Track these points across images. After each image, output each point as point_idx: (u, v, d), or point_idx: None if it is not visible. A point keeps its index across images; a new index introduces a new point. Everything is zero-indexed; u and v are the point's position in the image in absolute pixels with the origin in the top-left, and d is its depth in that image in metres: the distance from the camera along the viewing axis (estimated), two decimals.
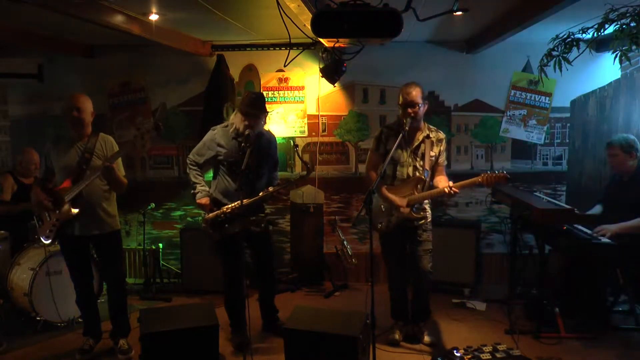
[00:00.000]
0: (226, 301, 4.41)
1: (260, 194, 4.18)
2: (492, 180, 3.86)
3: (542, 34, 4.27)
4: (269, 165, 4.41)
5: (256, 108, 4.16)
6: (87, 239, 4.12)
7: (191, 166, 4.31)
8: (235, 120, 4.20)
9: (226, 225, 4.12)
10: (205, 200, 4.22)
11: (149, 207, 5.76)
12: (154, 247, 5.97)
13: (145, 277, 5.77)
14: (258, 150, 4.20)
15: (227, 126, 4.26)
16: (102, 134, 4.13)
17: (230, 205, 4.14)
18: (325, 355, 3.52)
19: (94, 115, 4.10)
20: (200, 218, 5.97)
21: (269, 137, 4.44)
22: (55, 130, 6.17)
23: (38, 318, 4.59)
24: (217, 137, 4.24)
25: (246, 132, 4.11)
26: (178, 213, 6.21)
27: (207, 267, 5.41)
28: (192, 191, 4.27)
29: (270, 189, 4.23)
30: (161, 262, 5.94)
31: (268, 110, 4.32)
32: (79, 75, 6.10)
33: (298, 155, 4.32)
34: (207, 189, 4.29)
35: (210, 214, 4.17)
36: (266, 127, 4.47)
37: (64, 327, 4.65)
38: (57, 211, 3.94)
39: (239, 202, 3.97)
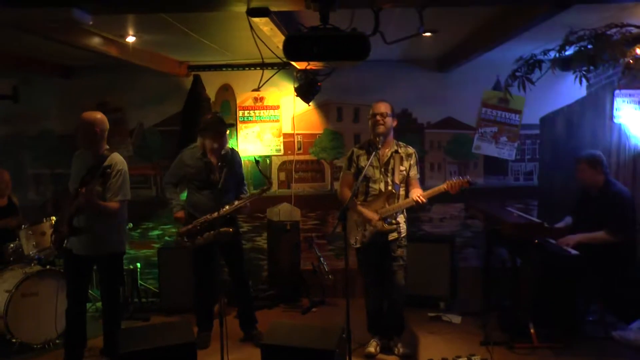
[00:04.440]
0: (194, 302, 4.82)
1: (226, 207, 4.47)
2: (456, 186, 4.05)
3: (510, 54, 4.41)
4: (235, 181, 4.70)
5: (223, 124, 4.57)
6: (86, 259, 4.08)
7: (166, 185, 4.82)
8: (205, 143, 4.55)
9: (198, 236, 4.50)
10: (180, 214, 4.67)
11: (127, 227, 5.74)
12: (131, 266, 5.94)
13: (123, 297, 5.74)
14: (221, 167, 4.48)
15: (193, 147, 4.66)
16: (115, 156, 4.06)
17: (199, 220, 4.49)
18: None
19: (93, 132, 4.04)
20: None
21: (232, 155, 4.71)
22: (30, 151, 6.18)
23: (14, 340, 4.54)
24: (184, 158, 4.66)
25: (222, 152, 4.54)
26: (156, 232, 6.21)
27: (185, 286, 5.39)
28: (170, 206, 4.73)
29: (236, 202, 4.52)
30: (139, 281, 5.92)
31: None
32: (55, 96, 6.12)
33: (259, 169, 4.55)
34: (182, 203, 4.68)
35: (183, 228, 4.56)
36: (235, 144, 4.74)
37: (40, 349, 4.62)
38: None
39: (207, 216, 4.45)
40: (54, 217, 5.00)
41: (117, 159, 4.05)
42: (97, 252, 4.06)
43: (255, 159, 4.72)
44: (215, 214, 4.33)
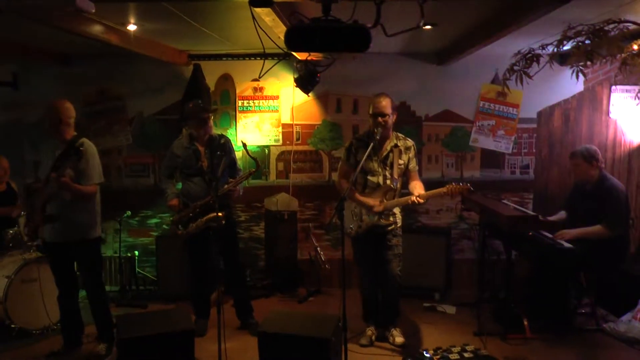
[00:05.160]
0: (191, 290, 4.87)
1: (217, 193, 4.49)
2: (455, 192, 4.10)
3: (509, 48, 4.42)
4: (225, 167, 4.71)
5: (205, 110, 4.65)
6: (63, 246, 4.10)
7: (162, 176, 4.99)
8: (192, 131, 4.65)
9: (190, 224, 4.55)
10: (174, 202, 4.72)
11: (125, 215, 5.81)
12: (129, 254, 6.00)
13: (121, 284, 5.80)
14: (210, 154, 4.57)
15: (181, 138, 4.76)
16: (83, 140, 4.03)
17: (191, 207, 4.56)
18: (298, 357, 3.62)
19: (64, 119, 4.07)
20: None
21: (220, 140, 4.76)
22: (29, 138, 6.19)
23: (13, 326, 4.59)
24: (174, 148, 4.77)
25: (222, 141, 4.65)
26: (154, 221, 6.24)
27: (183, 274, 5.45)
28: (165, 195, 4.81)
29: (225, 186, 4.54)
30: (137, 269, 5.97)
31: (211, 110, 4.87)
32: (54, 83, 6.10)
33: (246, 152, 4.55)
34: (176, 191, 4.80)
35: (176, 216, 4.64)
36: (234, 134, 4.86)
37: (39, 335, 4.67)
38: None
39: (197, 202, 4.52)
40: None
41: (87, 143, 4.05)
42: (71, 238, 4.06)
43: (242, 142, 4.73)
44: (206, 200, 4.46)
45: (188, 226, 4.57)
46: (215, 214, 4.23)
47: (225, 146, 4.72)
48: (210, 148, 4.59)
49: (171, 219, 4.80)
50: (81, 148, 3.80)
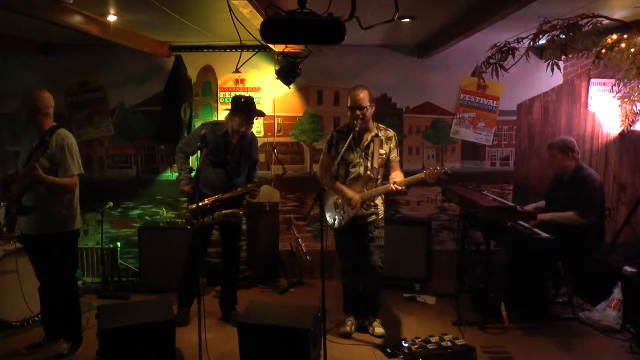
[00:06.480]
0: (182, 277, 4.79)
1: (238, 189, 4.59)
2: (433, 176, 4.08)
3: (490, 41, 4.47)
4: (249, 164, 4.83)
5: (256, 113, 4.69)
6: (38, 239, 3.99)
7: (180, 154, 4.82)
8: (232, 123, 4.62)
9: (207, 215, 4.52)
10: (187, 188, 4.72)
11: (107, 206, 5.80)
12: (111, 245, 5.99)
13: (103, 276, 5.79)
14: (240, 150, 4.63)
15: (216, 123, 4.81)
16: (61, 131, 3.97)
17: (211, 198, 4.52)
18: (278, 347, 3.65)
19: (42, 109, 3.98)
20: (158, 217, 6.07)
21: (251, 139, 4.83)
22: (9, 128, 6.13)
23: None
24: (207, 133, 4.58)
25: (251, 140, 4.78)
26: (136, 212, 6.23)
27: (165, 266, 5.47)
28: (178, 177, 4.84)
29: (249, 185, 4.66)
30: (119, 260, 5.96)
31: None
32: (35, 73, 6.03)
33: (276, 157, 4.60)
34: (190, 176, 4.73)
35: (193, 205, 4.52)
36: None
37: (19, 327, 4.65)
38: None
39: (219, 195, 4.52)
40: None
41: (63, 133, 3.97)
42: (48, 231, 3.96)
43: (272, 146, 4.75)
44: (228, 194, 4.50)
45: (204, 217, 4.51)
46: (237, 210, 4.37)
47: (252, 145, 4.81)
48: (241, 144, 4.65)
49: (155, 210, 4.76)
50: (47, 138, 3.75)
